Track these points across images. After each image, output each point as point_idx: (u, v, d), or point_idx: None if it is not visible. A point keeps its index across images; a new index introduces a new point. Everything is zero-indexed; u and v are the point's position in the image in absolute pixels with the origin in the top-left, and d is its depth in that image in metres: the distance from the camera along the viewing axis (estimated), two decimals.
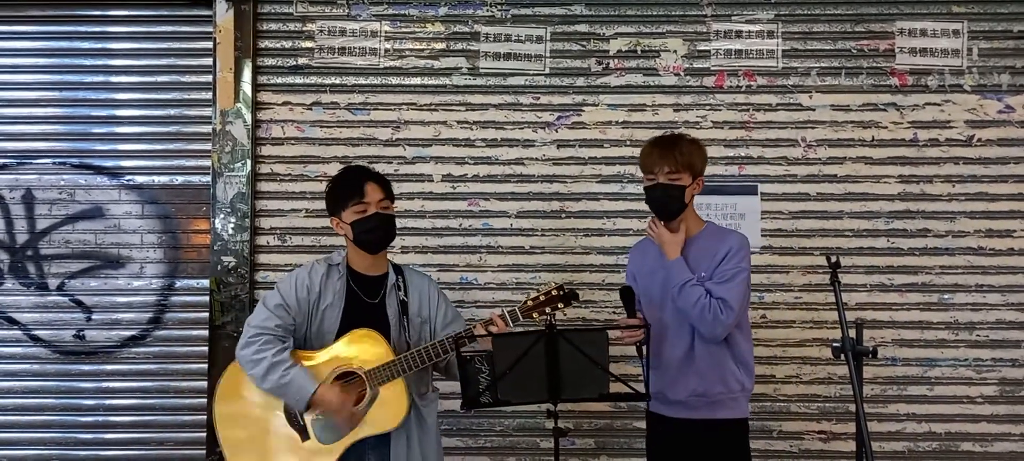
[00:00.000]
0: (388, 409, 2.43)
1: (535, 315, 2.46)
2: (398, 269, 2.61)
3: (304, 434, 2.46)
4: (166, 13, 3.49)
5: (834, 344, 2.33)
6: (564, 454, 3.28)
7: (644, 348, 2.41)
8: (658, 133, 3.39)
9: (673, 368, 2.47)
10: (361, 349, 2.46)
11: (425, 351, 2.43)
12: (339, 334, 2.48)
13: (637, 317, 2.45)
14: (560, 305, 2.45)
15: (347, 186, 2.51)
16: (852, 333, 2.32)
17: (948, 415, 3.38)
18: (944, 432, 3.38)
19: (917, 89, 3.42)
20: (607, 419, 3.41)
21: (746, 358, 2.51)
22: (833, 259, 2.34)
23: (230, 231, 3.40)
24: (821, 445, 3.39)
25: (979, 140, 3.41)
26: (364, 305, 2.51)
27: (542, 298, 2.46)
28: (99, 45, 3.51)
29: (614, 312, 3.43)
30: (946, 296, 3.39)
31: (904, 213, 3.41)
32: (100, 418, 3.46)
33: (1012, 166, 3.40)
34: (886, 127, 3.42)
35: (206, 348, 3.39)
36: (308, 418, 2.46)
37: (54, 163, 3.50)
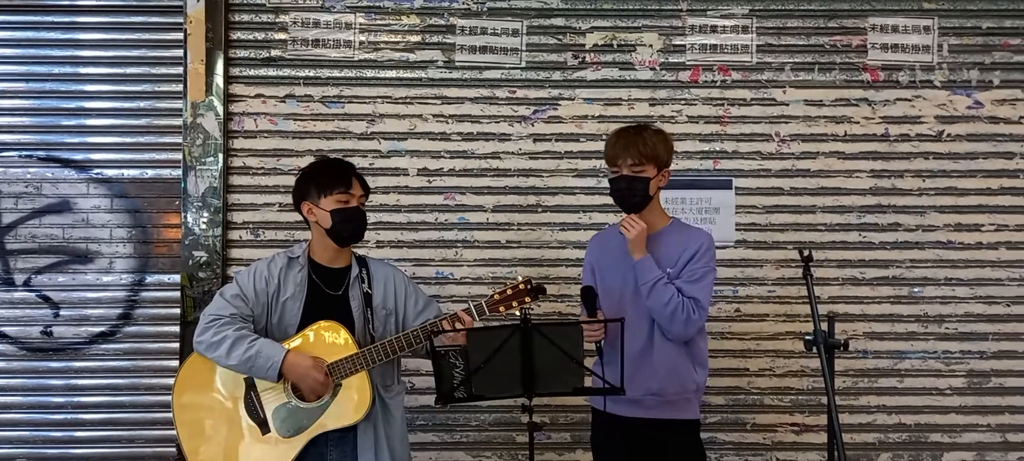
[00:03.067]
0: (351, 403, 2.41)
1: (502, 309, 2.45)
2: (362, 261, 2.58)
3: (264, 426, 2.44)
4: (136, 3, 3.42)
5: (806, 337, 2.34)
6: (539, 448, 3.31)
7: (601, 344, 2.37)
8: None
9: (629, 362, 2.37)
10: (324, 342, 2.43)
11: (389, 345, 2.41)
12: (301, 327, 2.46)
13: (598, 314, 2.39)
14: (527, 299, 2.44)
15: (335, 174, 2.48)
16: (824, 326, 2.34)
17: (917, 406, 3.43)
18: (913, 423, 3.43)
19: (888, 85, 3.46)
20: (583, 413, 3.40)
21: (702, 357, 2.47)
22: (805, 253, 2.34)
23: (202, 226, 3.35)
24: (794, 437, 3.42)
25: (949, 135, 3.46)
26: (327, 297, 2.49)
27: (509, 292, 2.45)
28: (67, 36, 3.44)
29: None
30: (916, 289, 3.44)
31: (875, 207, 3.45)
32: (69, 416, 3.39)
33: (981, 161, 3.45)
34: (858, 122, 3.46)
35: (177, 344, 3.35)
36: (268, 410, 2.43)
37: (20, 156, 3.43)
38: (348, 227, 2.46)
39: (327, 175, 2.48)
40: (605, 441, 2.52)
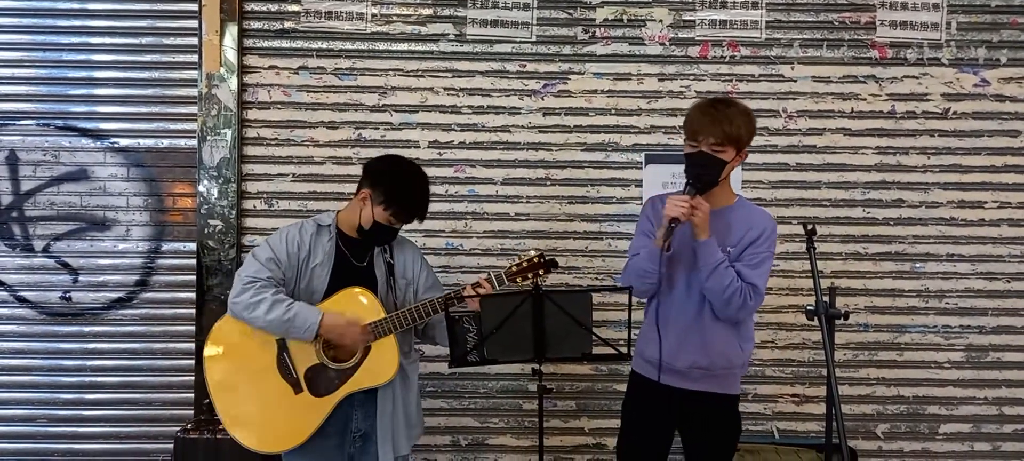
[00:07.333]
0: (380, 363, 2.50)
1: (519, 280, 2.55)
2: None
3: (297, 387, 2.52)
4: None
5: (808, 308, 2.40)
6: (546, 416, 3.36)
7: (674, 225, 2.27)
8: (642, 102, 3.49)
9: (677, 335, 2.38)
10: (354, 306, 2.52)
11: (418, 309, 2.50)
12: (328, 293, 2.53)
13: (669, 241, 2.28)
14: (541, 271, 2.54)
15: (410, 201, 2.50)
16: (826, 297, 2.39)
17: (916, 379, 3.50)
18: (912, 396, 3.50)
19: (896, 62, 3.49)
20: (588, 381, 3.49)
21: (749, 332, 2.46)
22: (809, 227, 2.38)
23: (216, 195, 3.41)
24: (794, 407, 3.50)
25: (955, 113, 3.49)
26: (352, 267, 2.57)
27: (525, 264, 2.55)
28: (82, 6, 3.48)
29: (596, 278, 3.51)
30: (918, 265, 3.49)
31: (880, 184, 3.49)
32: (86, 379, 3.48)
33: (986, 139, 3.49)
34: (865, 99, 3.49)
35: (193, 311, 3.43)
36: (301, 370, 2.51)
37: (38, 124, 3.48)
38: (380, 239, 2.57)
39: (404, 193, 2.50)
40: (642, 407, 2.49)
